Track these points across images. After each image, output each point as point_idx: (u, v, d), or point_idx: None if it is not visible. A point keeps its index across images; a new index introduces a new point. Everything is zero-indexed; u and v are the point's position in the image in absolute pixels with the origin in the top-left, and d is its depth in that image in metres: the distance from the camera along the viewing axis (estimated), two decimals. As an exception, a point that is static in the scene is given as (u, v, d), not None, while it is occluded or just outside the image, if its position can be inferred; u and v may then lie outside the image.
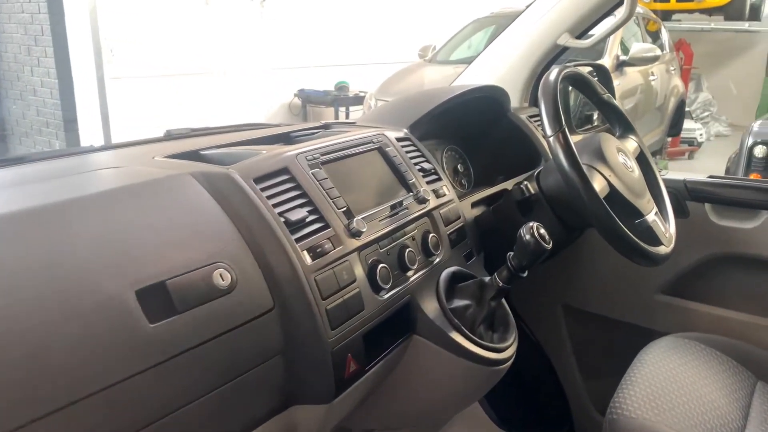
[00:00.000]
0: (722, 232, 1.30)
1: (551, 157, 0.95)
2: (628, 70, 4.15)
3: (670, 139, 5.54)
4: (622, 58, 4.09)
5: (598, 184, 0.97)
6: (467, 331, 0.87)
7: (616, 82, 4.02)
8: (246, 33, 5.21)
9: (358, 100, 5.41)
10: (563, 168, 0.92)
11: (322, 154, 0.85)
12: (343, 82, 5.71)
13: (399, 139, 1.00)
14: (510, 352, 0.92)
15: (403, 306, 0.85)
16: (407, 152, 0.99)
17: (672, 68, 5.20)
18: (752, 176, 2.99)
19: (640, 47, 4.16)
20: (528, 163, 1.33)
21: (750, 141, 3.02)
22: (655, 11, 5.43)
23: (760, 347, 1.20)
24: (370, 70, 5.55)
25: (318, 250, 0.74)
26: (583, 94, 1.16)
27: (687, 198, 1.33)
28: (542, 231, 0.83)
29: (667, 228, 1.07)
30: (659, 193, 1.14)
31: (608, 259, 1.42)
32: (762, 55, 6.83)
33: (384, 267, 0.80)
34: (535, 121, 1.38)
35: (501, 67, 1.43)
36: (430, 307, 0.87)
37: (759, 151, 2.99)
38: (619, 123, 1.19)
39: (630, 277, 1.41)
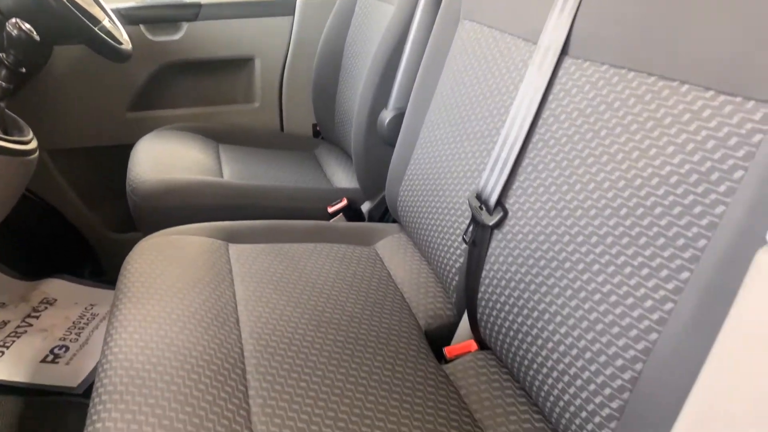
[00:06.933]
0: (160, 46, 1.61)
1: None
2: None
3: None
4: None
5: None
6: None
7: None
8: None
9: None
10: None
11: None
12: None
13: None
14: (34, 143, 1.01)
15: None
16: None
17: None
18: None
19: None
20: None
21: None
22: None
23: (215, 122, 1.63)
24: None
25: None
26: None
27: (124, 23, 1.56)
28: (27, 25, 0.94)
29: (121, 32, 1.29)
30: (102, 6, 1.34)
31: (74, 91, 1.56)
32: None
33: None
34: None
35: None
36: None
37: None
38: None
39: (99, 104, 1.60)
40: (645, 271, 0.51)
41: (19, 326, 1.39)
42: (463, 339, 0.84)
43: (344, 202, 1.26)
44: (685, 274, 0.48)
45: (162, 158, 1.31)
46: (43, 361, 1.29)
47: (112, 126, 1.63)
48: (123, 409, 0.62)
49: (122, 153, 1.58)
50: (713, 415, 0.35)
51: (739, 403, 0.33)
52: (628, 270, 0.53)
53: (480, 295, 0.75)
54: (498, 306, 0.71)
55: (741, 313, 0.34)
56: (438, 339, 0.86)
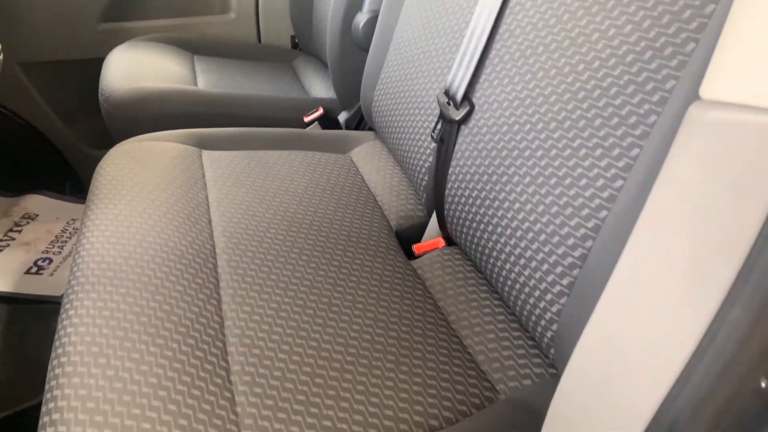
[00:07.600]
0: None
1: None
2: None
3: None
4: None
5: None
6: None
7: None
8: None
9: None
10: None
11: None
12: None
13: None
14: None
15: None
16: None
17: None
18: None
19: None
20: None
21: None
22: None
23: (190, 34, 1.58)
24: None
25: None
26: None
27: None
28: None
29: None
30: None
31: (43, 0, 1.50)
32: None
33: None
34: None
35: None
36: None
37: None
38: None
39: (70, 14, 1.54)
40: (598, 152, 0.52)
41: (1, 240, 1.40)
42: (432, 238, 0.85)
43: (320, 111, 1.25)
44: (635, 151, 0.48)
45: (135, 68, 1.28)
46: (28, 272, 1.31)
47: (84, 37, 1.58)
48: (95, 298, 0.64)
49: (97, 67, 1.54)
50: (641, 275, 0.37)
51: (665, 262, 0.34)
52: (582, 152, 0.54)
53: (447, 191, 0.76)
54: (462, 200, 0.72)
55: (670, 170, 0.35)
56: (408, 238, 0.88)
